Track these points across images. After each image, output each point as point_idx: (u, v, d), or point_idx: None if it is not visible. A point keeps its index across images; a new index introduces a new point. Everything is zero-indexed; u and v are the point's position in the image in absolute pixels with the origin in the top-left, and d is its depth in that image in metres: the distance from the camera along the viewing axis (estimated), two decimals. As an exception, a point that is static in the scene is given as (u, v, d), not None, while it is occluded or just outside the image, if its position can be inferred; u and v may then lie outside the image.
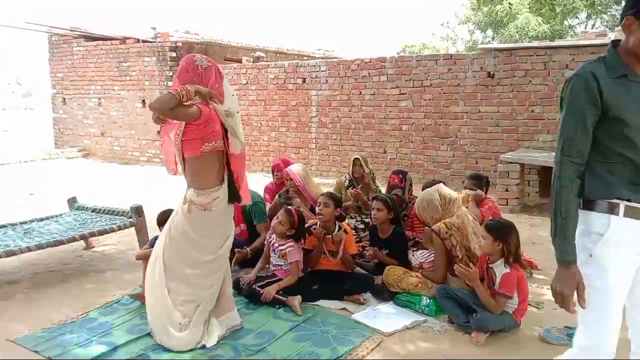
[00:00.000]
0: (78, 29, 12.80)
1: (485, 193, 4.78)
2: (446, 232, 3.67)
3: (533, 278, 4.41)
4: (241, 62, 11.50)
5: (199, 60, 3.17)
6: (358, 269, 4.29)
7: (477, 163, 8.35)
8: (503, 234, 3.39)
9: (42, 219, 5.11)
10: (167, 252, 3.25)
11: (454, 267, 3.44)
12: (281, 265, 4.06)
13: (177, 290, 3.24)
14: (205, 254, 3.26)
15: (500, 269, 3.41)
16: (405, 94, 8.89)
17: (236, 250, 4.40)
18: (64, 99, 13.80)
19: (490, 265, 3.49)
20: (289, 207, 4.18)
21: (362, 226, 5.14)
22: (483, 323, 3.30)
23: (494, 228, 3.42)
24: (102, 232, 4.72)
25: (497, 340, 3.35)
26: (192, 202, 3.17)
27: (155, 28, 12.10)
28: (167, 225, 3.31)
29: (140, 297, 3.90)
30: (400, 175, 4.85)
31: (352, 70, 9.45)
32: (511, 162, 6.96)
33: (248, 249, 4.52)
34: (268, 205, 5.10)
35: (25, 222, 4.99)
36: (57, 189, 8.59)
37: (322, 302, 3.85)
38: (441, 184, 4.08)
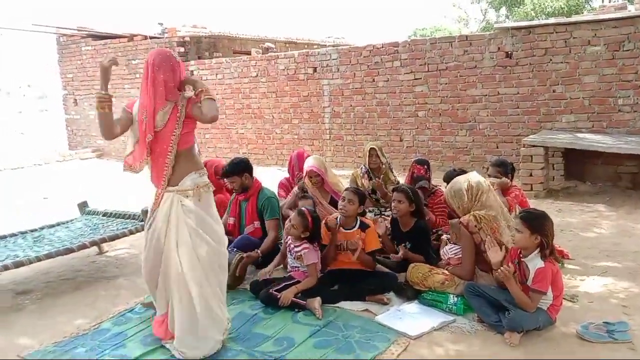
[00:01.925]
0: (85, 29, 12.69)
1: (511, 180, 4.55)
2: (475, 226, 3.44)
3: (565, 268, 4.18)
4: (250, 54, 11.29)
5: (174, 53, 3.11)
6: (379, 266, 4.08)
7: (497, 147, 8.06)
8: (540, 225, 3.17)
9: (52, 226, 5.01)
10: (203, 258, 3.03)
11: (496, 273, 3.21)
12: (298, 267, 3.88)
13: (217, 295, 3.11)
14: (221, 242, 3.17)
15: (533, 263, 3.19)
16: (420, 79, 8.61)
17: (244, 255, 4.17)
18: (75, 99, 13.75)
19: (522, 259, 3.26)
20: (302, 208, 3.99)
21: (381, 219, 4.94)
22: (517, 323, 3.08)
23: (530, 220, 3.19)
24: (113, 238, 4.59)
25: (532, 340, 3.14)
26: (199, 186, 3.05)
27: (162, 23, 11.96)
28: (177, 236, 3.03)
29: (153, 306, 3.75)
30: (425, 166, 4.69)
31: (364, 57, 9.18)
32: (535, 146, 6.68)
33: (258, 251, 4.33)
34: (282, 201, 4.94)
35: (36, 230, 4.89)
36: (71, 191, 8.51)
37: (343, 304, 3.66)
38: (474, 172, 3.84)
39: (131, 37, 12.26)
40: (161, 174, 3.05)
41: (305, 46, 13.92)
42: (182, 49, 11.44)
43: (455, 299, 3.49)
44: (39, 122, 30.38)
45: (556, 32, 7.45)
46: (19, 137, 21.77)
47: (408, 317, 3.42)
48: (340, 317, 3.50)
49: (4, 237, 4.70)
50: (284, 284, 3.75)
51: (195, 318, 3.01)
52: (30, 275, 4.61)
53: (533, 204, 5.34)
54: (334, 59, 9.53)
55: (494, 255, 3.32)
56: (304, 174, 4.93)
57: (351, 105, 9.45)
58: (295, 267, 3.90)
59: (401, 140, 8.96)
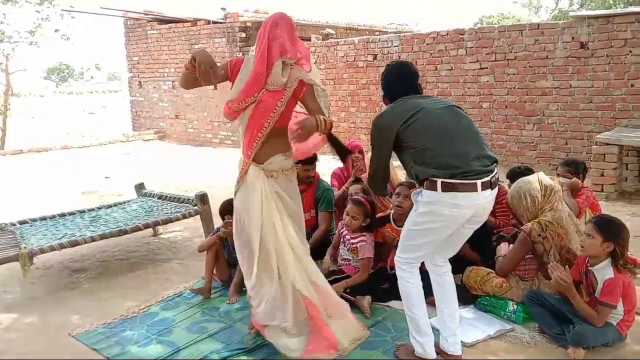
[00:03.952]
0: (151, 12, 12.97)
1: (582, 180, 4.22)
2: (538, 235, 3.18)
3: (637, 279, 3.84)
4: (310, 41, 11.17)
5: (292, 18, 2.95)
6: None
7: (566, 144, 7.59)
8: (615, 232, 2.89)
9: (109, 206, 5.11)
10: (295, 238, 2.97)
11: (552, 278, 2.95)
12: (350, 260, 3.75)
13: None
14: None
15: (602, 273, 2.92)
16: (487, 68, 8.22)
17: None
18: (140, 82, 14.11)
19: (590, 268, 3.00)
20: (356, 197, 3.85)
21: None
22: (582, 338, 2.83)
23: (604, 225, 2.92)
24: (166, 221, 4.62)
25: (598, 357, 2.88)
26: (284, 170, 2.97)
27: (224, 8, 11.99)
28: (274, 216, 2.92)
29: (203, 292, 3.76)
30: None
31: (427, 44, 8.86)
32: (608, 144, 6.22)
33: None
34: (335, 192, 4.83)
35: (93, 210, 5.00)
36: (131, 171, 8.74)
37: (393, 304, 3.49)
38: (541, 172, 3.55)
39: (194, 22, 12.41)
40: (252, 144, 2.91)
41: (367, 32, 13.66)
42: (243, 34, 11.47)
43: (515, 306, 3.26)
44: (109, 102, 31.66)
45: (638, 22, 6.90)
46: (88, 116, 22.76)
47: (463, 323, 3.20)
48: (390, 318, 3.35)
49: (64, 215, 4.83)
50: (333, 278, 3.64)
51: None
52: (86, 253, 4.73)
53: (603, 206, 4.98)
54: (395, 46, 9.26)
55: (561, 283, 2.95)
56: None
57: (411, 95, 9.14)
58: (347, 259, 3.77)
59: (462, 133, 8.61)
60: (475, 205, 2.61)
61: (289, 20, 2.90)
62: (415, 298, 2.77)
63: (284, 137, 2.98)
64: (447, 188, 2.55)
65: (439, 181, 2.55)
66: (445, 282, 2.88)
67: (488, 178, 2.60)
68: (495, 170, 2.68)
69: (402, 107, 2.75)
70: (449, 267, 2.90)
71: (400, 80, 2.88)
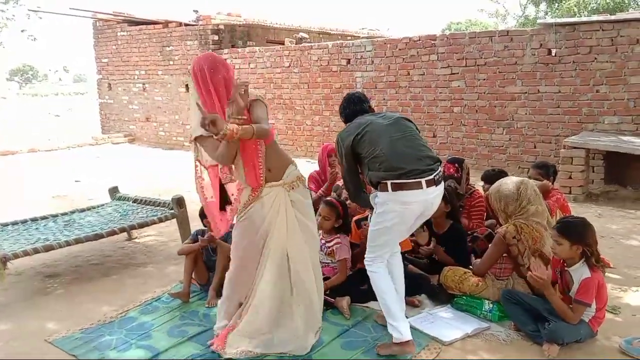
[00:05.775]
0: (121, 14, 12.78)
1: (553, 183, 4.35)
2: (513, 237, 3.27)
3: (606, 277, 3.98)
4: (284, 44, 11.20)
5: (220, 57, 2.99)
6: (411, 267, 3.94)
7: (535, 147, 7.80)
8: (580, 235, 2.99)
9: (83, 210, 5.02)
10: (311, 249, 3.10)
11: (527, 276, 3.04)
12: (328, 262, 3.78)
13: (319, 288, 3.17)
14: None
15: (579, 273, 3.01)
16: (457, 73, 8.37)
17: None
18: (110, 84, 13.89)
19: (566, 268, 3.09)
20: (328, 198, 3.92)
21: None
22: (557, 335, 2.93)
23: (568, 231, 3.01)
24: (142, 225, 4.57)
25: (571, 352, 2.98)
26: (300, 178, 3.09)
27: (197, 11, 11.94)
28: (287, 230, 2.97)
29: (181, 296, 3.73)
30: (456, 165, 4.40)
31: (399, 49, 8.98)
32: (576, 147, 6.42)
33: None
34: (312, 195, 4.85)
35: (67, 214, 4.90)
36: (102, 175, 8.59)
37: (372, 304, 3.53)
38: (531, 181, 3.58)
39: (166, 24, 12.29)
40: (258, 170, 2.93)
41: (339, 37, 13.76)
42: (216, 37, 11.41)
43: (491, 305, 3.34)
44: (75, 105, 30.98)
45: (602, 30, 7.13)
46: (54, 119, 22.23)
47: (440, 322, 3.29)
48: (369, 318, 3.40)
49: (36, 219, 4.73)
50: (312, 281, 3.66)
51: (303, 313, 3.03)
52: (59, 258, 4.63)
53: (571, 207, 5.13)
54: (368, 51, 9.35)
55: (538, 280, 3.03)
56: (325, 153, 4.85)
57: (384, 99, 9.27)
58: (325, 263, 3.80)
59: (434, 137, 8.75)
60: (422, 201, 2.97)
61: (218, 59, 2.89)
62: (383, 284, 3.04)
63: (281, 150, 3.15)
64: (396, 187, 2.92)
65: (388, 182, 2.93)
66: (395, 262, 3.20)
67: (432, 176, 2.97)
68: (439, 170, 3.05)
69: (355, 124, 3.21)
70: (398, 247, 3.22)
71: (350, 105, 3.37)
